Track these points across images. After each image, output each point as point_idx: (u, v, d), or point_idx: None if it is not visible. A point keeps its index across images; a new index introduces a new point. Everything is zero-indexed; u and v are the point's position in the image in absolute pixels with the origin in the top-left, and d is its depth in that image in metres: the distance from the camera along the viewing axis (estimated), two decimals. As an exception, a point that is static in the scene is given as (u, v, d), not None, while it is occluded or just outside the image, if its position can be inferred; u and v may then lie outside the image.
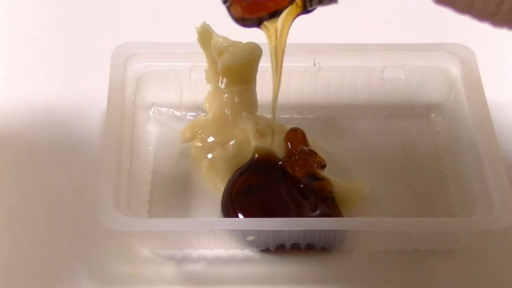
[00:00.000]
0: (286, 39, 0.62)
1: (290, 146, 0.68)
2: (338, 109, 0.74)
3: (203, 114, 0.73)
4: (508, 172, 0.64)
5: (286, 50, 0.70)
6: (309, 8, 0.59)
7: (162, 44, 0.72)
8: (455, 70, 0.72)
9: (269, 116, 0.72)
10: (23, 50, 0.80)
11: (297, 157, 0.67)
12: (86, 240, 0.65)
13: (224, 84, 0.70)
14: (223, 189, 0.67)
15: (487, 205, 0.63)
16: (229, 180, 0.68)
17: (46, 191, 0.68)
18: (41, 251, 0.65)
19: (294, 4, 0.59)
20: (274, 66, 0.64)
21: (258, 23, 0.60)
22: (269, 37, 0.62)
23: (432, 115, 0.74)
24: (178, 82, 0.73)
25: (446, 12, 0.88)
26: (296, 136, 0.69)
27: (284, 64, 0.71)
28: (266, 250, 0.65)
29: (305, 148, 0.68)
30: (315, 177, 0.66)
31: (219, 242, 0.65)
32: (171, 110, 0.74)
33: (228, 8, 0.58)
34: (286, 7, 0.59)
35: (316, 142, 0.70)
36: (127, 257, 0.65)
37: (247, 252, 0.65)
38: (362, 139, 0.73)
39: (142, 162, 0.70)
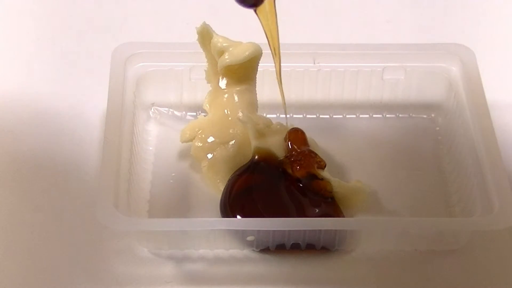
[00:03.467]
0: (275, 18, 0.63)
1: (290, 146, 0.68)
2: (338, 109, 0.74)
3: (203, 114, 0.73)
4: (508, 172, 0.64)
5: (286, 50, 0.70)
6: None
7: (162, 44, 0.72)
8: (455, 70, 0.72)
9: (269, 116, 0.72)
10: (22, 50, 0.80)
11: (297, 157, 0.67)
12: (86, 240, 0.65)
13: (224, 84, 0.70)
14: (223, 189, 0.67)
15: (487, 205, 0.63)
16: (229, 180, 0.68)
17: (46, 191, 0.68)
18: (41, 251, 0.65)
19: None
20: (272, 49, 0.65)
21: (254, 4, 0.62)
22: (261, 20, 0.63)
23: (432, 115, 0.74)
24: (178, 82, 0.73)
25: (446, 12, 0.88)
26: (296, 136, 0.69)
27: (284, 64, 0.71)
28: (266, 250, 0.65)
29: (305, 149, 0.68)
30: (315, 177, 0.66)
31: (219, 242, 0.65)
32: (171, 110, 0.74)
33: None
34: None
35: (316, 142, 0.70)
36: (127, 257, 0.65)
37: (247, 252, 0.65)
38: (362, 139, 0.73)
39: (142, 162, 0.70)
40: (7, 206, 0.68)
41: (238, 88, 0.70)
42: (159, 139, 0.72)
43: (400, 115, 0.75)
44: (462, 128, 0.69)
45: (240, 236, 0.64)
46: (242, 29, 0.67)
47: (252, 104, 0.70)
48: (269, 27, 0.64)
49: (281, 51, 0.68)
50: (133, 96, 0.70)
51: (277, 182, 0.67)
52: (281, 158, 0.68)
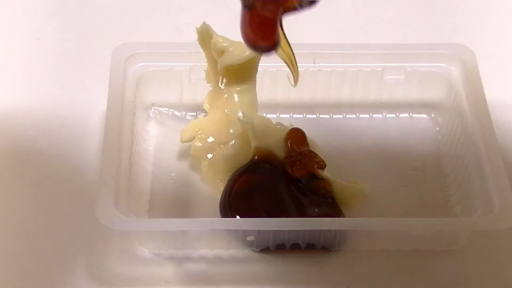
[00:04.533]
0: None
1: (290, 146, 0.68)
2: (338, 109, 0.74)
3: (203, 114, 0.73)
4: (508, 172, 0.64)
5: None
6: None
7: (162, 44, 0.72)
8: (455, 70, 0.72)
9: (269, 116, 0.72)
10: (22, 49, 0.80)
11: (296, 157, 0.67)
12: (86, 240, 0.65)
13: (224, 84, 0.70)
14: (223, 189, 0.67)
15: (487, 205, 0.63)
16: (229, 180, 0.67)
17: (46, 191, 0.68)
18: (41, 251, 0.65)
19: None
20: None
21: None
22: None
23: (432, 115, 0.74)
24: (178, 82, 0.73)
25: (446, 12, 0.88)
26: (296, 136, 0.69)
27: (283, 64, 0.71)
28: (266, 250, 0.65)
29: (305, 149, 0.68)
30: (315, 177, 0.66)
31: (219, 242, 0.65)
32: (171, 110, 0.74)
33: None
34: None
35: (316, 142, 0.70)
36: (127, 257, 0.65)
37: (247, 252, 0.65)
38: (362, 139, 0.73)
39: (142, 162, 0.70)
40: (7, 206, 0.68)
41: (238, 88, 0.70)
42: (159, 139, 0.72)
43: (400, 115, 0.74)
44: (462, 128, 0.69)
45: (240, 236, 0.64)
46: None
47: (252, 104, 0.70)
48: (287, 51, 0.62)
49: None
50: (133, 96, 0.70)
51: (277, 182, 0.67)
52: (281, 158, 0.68)
